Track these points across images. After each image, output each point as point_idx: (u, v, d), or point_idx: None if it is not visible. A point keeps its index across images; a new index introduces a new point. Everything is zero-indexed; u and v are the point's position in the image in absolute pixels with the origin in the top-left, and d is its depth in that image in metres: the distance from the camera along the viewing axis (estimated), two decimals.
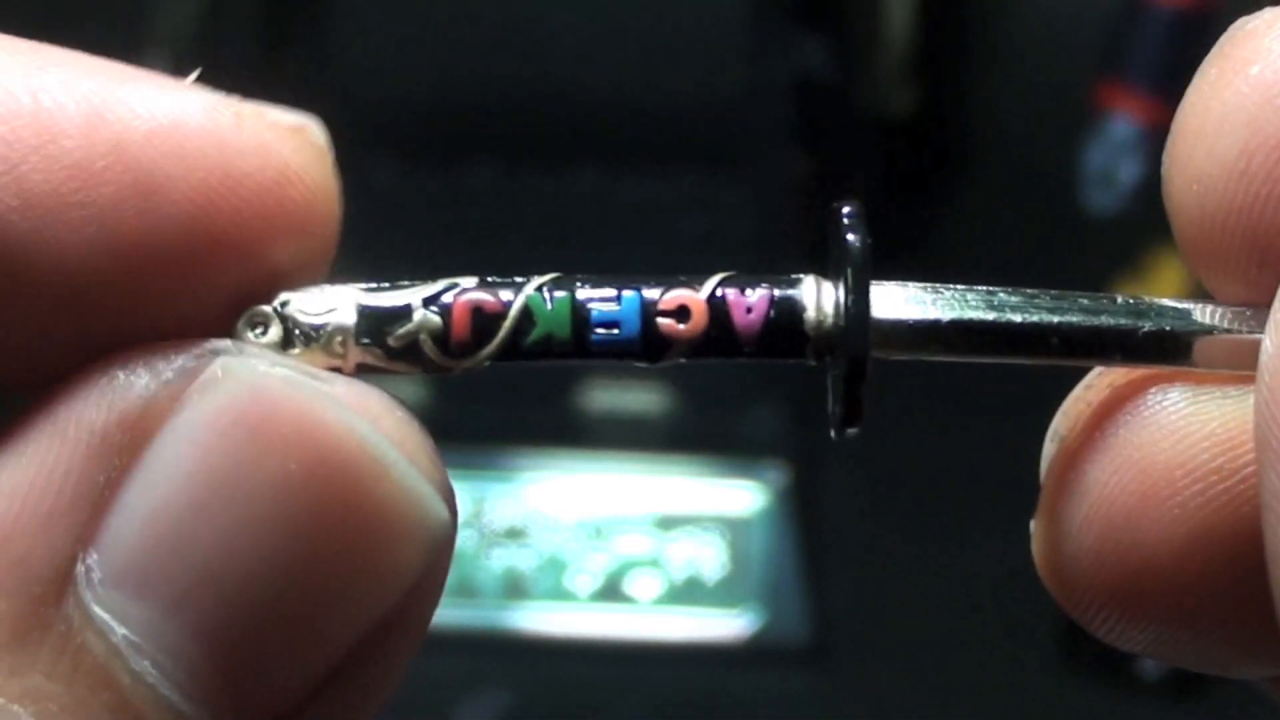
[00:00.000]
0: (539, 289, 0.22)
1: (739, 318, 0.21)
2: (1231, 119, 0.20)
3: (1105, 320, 0.21)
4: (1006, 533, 0.79)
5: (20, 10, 0.96)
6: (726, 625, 0.69)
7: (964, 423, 0.79)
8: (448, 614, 0.68)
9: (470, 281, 0.21)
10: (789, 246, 0.77)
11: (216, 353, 0.20)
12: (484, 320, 0.22)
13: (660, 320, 0.21)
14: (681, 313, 0.21)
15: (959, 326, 0.22)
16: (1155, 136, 0.67)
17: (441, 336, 0.22)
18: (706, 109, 0.76)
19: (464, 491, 0.71)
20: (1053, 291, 0.22)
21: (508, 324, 0.22)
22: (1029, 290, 0.21)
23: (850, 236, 0.21)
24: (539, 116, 0.78)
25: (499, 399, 0.73)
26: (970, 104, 0.91)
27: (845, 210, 0.21)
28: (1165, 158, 0.21)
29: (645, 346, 0.21)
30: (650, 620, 0.69)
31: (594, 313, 0.22)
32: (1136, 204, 0.67)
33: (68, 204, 0.19)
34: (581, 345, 0.21)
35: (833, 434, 0.21)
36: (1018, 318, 0.21)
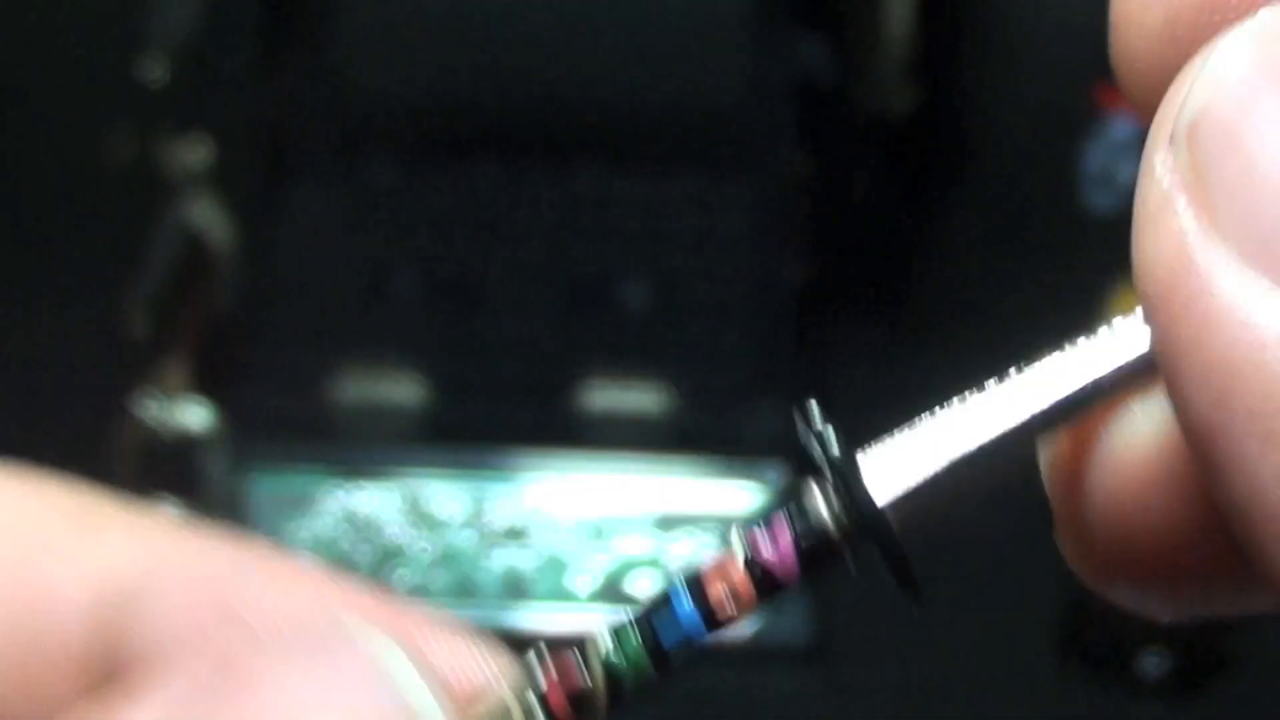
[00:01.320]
0: (609, 650, 0.22)
1: (778, 568, 0.21)
2: None
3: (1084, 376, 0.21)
4: (1007, 532, 0.80)
5: (21, 10, 0.97)
6: None
7: None
8: (447, 614, 0.68)
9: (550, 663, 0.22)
10: (789, 246, 0.77)
11: None
12: (582, 705, 0.22)
13: (718, 615, 0.21)
14: (733, 598, 0.21)
15: (956, 469, 0.22)
16: None
17: None
18: (706, 109, 0.76)
19: (464, 491, 0.71)
20: (1025, 365, 0.22)
21: (599, 708, 0.22)
22: (1004, 377, 0.22)
23: (826, 444, 0.21)
24: (539, 116, 0.78)
25: (499, 399, 0.73)
26: (970, 104, 0.91)
27: (809, 410, 0.21)
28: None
29: (714, 636, 0.21)
30: None
31: (664, 642, 0.22)
32: None
33: None
34: (664, 677, 0.22)
35: (914, 612, 0.21)
36: (1000, 424, 0.22)
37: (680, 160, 0.76)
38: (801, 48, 0.78)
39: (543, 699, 0.22)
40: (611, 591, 0.69)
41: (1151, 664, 0.69)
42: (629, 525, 0.70)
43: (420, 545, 0.69)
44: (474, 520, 0.70)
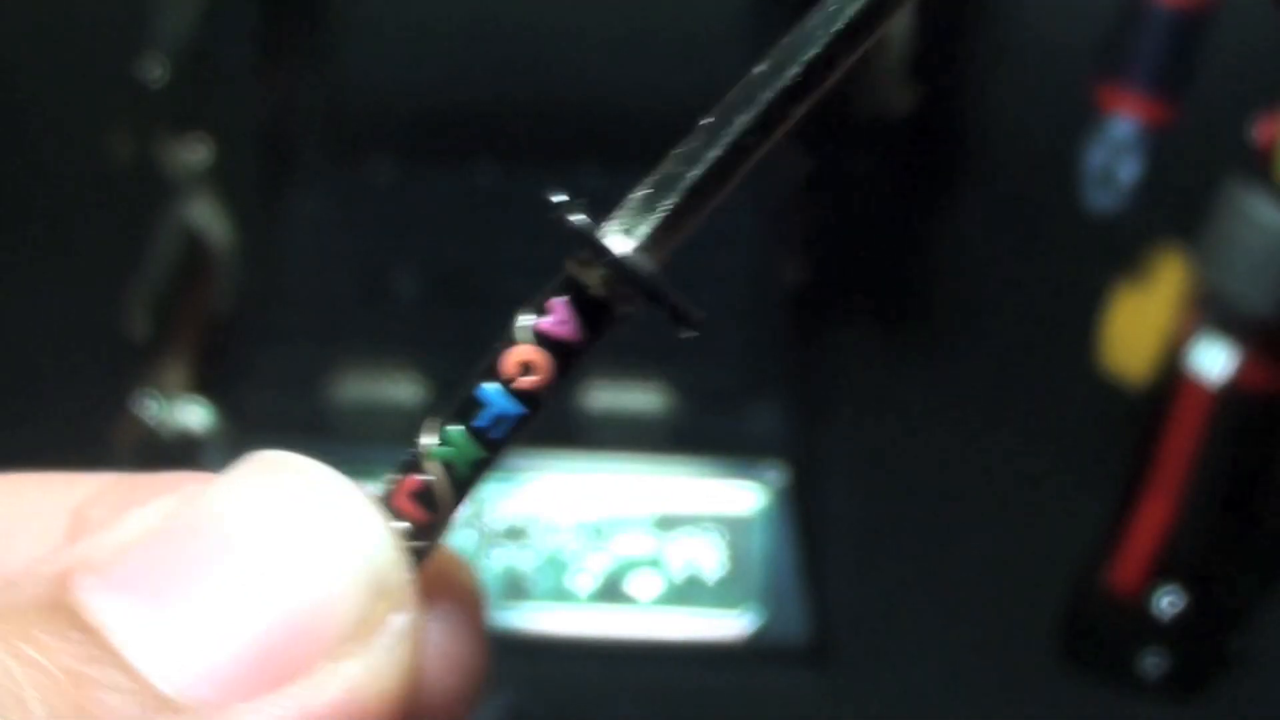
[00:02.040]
0: (432, 443, 0.24)
1: (562, 334, 0.23)
2: None
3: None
4: (1006, 532, 0.80)
5: (21, 11, 0.97)
6: (726, 625, 0.69)
7: (964, 423, 0.79)
8: None
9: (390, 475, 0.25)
10: (789, 246, 0.77)
11: None
12: (426, 497, 0.24)
13: (519, 389, 0.24)
14: (526, 369, 0.24)
15: (682, 203, 0.23)
16: (1155, 136, 0.67)
17: (413, 533, 0.24)
18: (706, 109, 0.76)
19: None
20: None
21: (445, 494, 0.24)
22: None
23: (567, 218, 0.23)
24: (539, 116, 0.78)
25: None
26: (970, 104, 0.91)
27: (554, 201, 0.24)
28: None
29: (531, 413, 0.24)
30: (650, 620, 0.69)
31: (478, 422, 0.24)
32: (1136, 204, 0.67)
33: None
34: (495, 452, 0.24)
35: (684, 336, 0.24)
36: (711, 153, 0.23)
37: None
38: None
39: (394, 508, 0.24)
40: (611, 591, 0.69)
41: (1151, 664, 0.69)
42: (629, 525, 0.70)
43: None
44: (474, 520, 0.70)
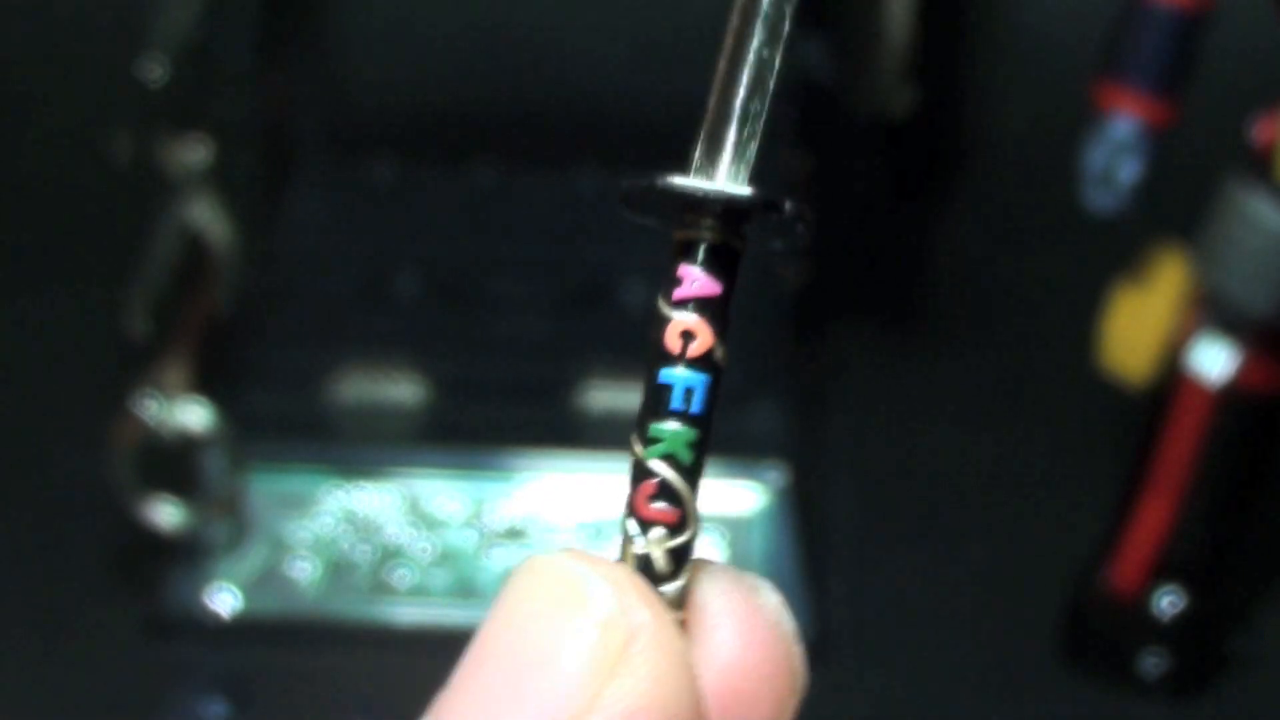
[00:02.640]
0: (644, 446, 0.25)
1: (703, 293, 0.24)
2: None
3: None
4: (1006, 532, 0.80)
5: (21, 11, 0.97)
6: None
7: (964, 423, 0.79)
8: (448, 614, 0.68)
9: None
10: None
11: None
12: (665, 494, 0.25)
13: (693, 358, 0.24)
14: (688, 337, 0.24)
15: (740, 126, 0.25)
16: (1155, 136, 0.67)
17: (668, 533, 0.25)
18: (707, 109, 0.76)
19: (464, 491, 0.71)
20: None
21: (679, 484, 0.25)
22: None
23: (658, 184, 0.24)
24: (539, 116, 0.78)
25: (499, 399, 0.73)
26: (970, 104, 0.91)
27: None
28: None
29: (715, 376, 0.25)
30: None
31: (669, 404, 0.25)
32: (1136, 204, 0.67)
33: None
34: (702, 426, 0.25)
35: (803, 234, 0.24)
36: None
37: (680, 160, 0.76)
38: (801, 48, 0.78)
39: (642, 518, 0.24)
40: None
41: (1151, 664, 0.69)
42: None
43: (420, 545, 0.69)
44: (474, 520, 0.70)
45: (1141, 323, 0.71)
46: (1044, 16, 0.90)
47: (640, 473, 0.24)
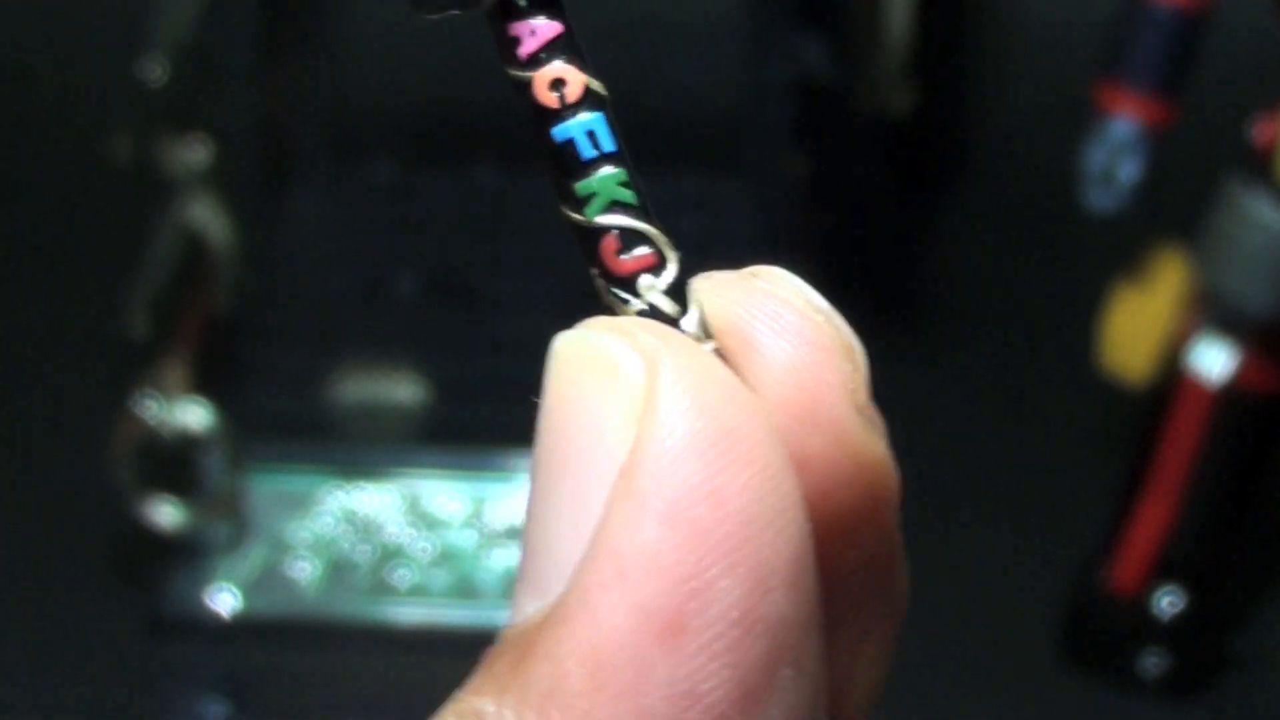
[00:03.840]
0: (579, 210, 0.23)
1: (551, 32, 0.23)
2: None
3: None
4: (1006, 532, 0.80)
5: (22, 11, 0.96)
6: None
7: (964, 423, 0.79)
8: (448, 614, 0.68)
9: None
10: (789, 246, 0.77)
11: None
12: (628, 239, 0.24)
13: (573, 101, 0.23)
14: (559, 84, 0.23)
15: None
16: (1155, 136, 0.67)
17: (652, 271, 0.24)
18: (706, 109, 0.76)
19: (464, 491, 0.71)
20: None
21: (636, 220, 0.23)
22: None
23: None
24: None
25: (499, 399, 0.73)
26: (970, 104, 0.91)
27: None
28: None
29: (605, 109, 0.23)
30: None
31: (586, 156, 0.23)
32: (1136, 204, 0.67)
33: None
34: (623, 160, 0.23)
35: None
36: None
37: (680, 160, 0.76)
38: (801, 48, 0.78)
39: (616, 275, 0.23)
40: None
41: (1151, 664, 0.69)
42: None
43: (420, 545, 0.69)
44: (474, 520, 0.70)
45: (1141, 323, 0.71)
46: (1044, 16, 0.90)
47: (591, 235, 0.23)
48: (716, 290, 0.23)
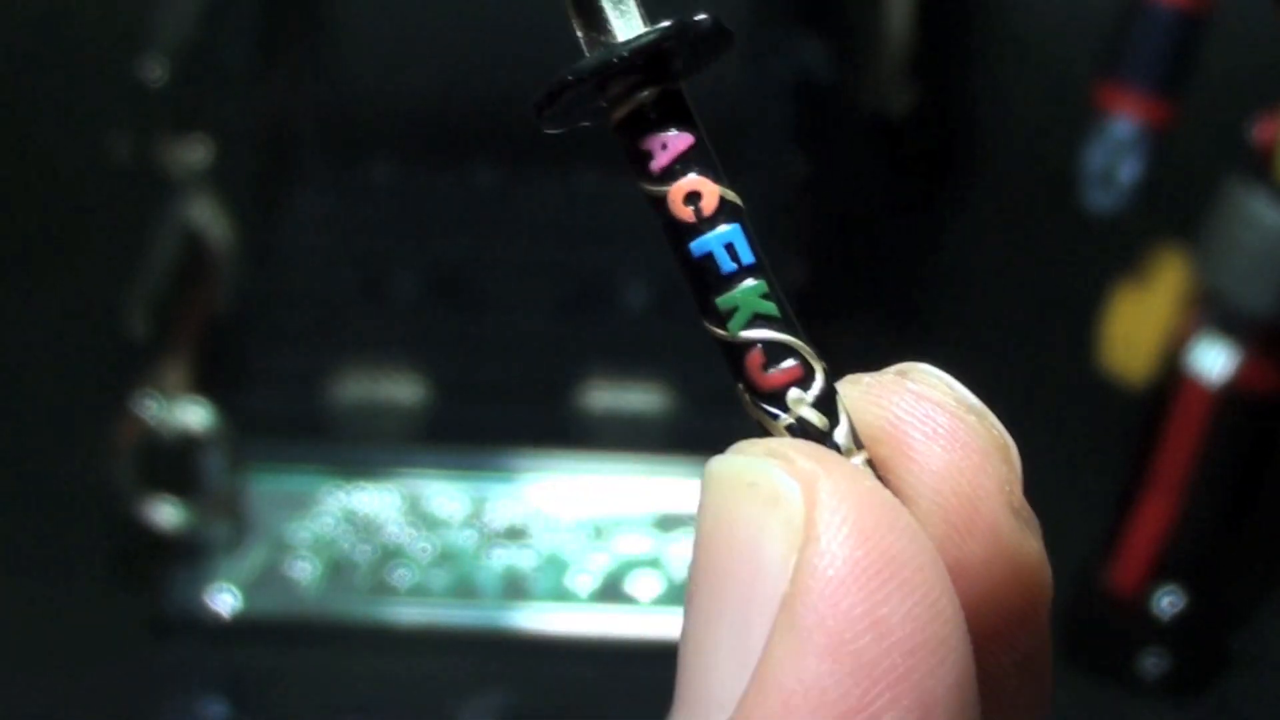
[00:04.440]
0: (723, 326, 0.23)
1: (685, 147, 0.23)
2: None
3: None
4: None
5: (21, 10, 0.96)
6: None
7: None
8: (448, 614, 0.68)
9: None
10: (789, 246, 0.77)
11: None
12: (773, 351, 0.23)
13: (711, 214, 0.23)
14: (695, 198, 0.23)
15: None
16: (1155, 136, 0.67)
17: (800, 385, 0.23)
18: (706, 109, 0.76)
19: (464, 491, 0.71)
20: None
21: (781, 334, 0.23)
22: None
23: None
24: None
25: (499, 399, 0.73)
26: (970, 104, 0.91)
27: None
28: None
29: (741, 220, 0.23)
30: (650, 620, 0.69)
31: (726, 270, 0.23)
32: (1136, 204, 0.67)
33: None
34: (764, 271, 0.23)
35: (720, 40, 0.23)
36: None
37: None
38: (801, 48, 0.78)
39: (767, 391, 0.23)
40: (611, 591, 0.69)
41: (1151, 664, 0.69)
42: (629, 525, 0.70)
43: (420, 545, 0.69)
44: (474, 520, 0.70)
45: (1141, 323, 0.71)
46: (1044, 16, 0.90)
47: (736, 350, 0.22)
48: (866, 395, 0.23)
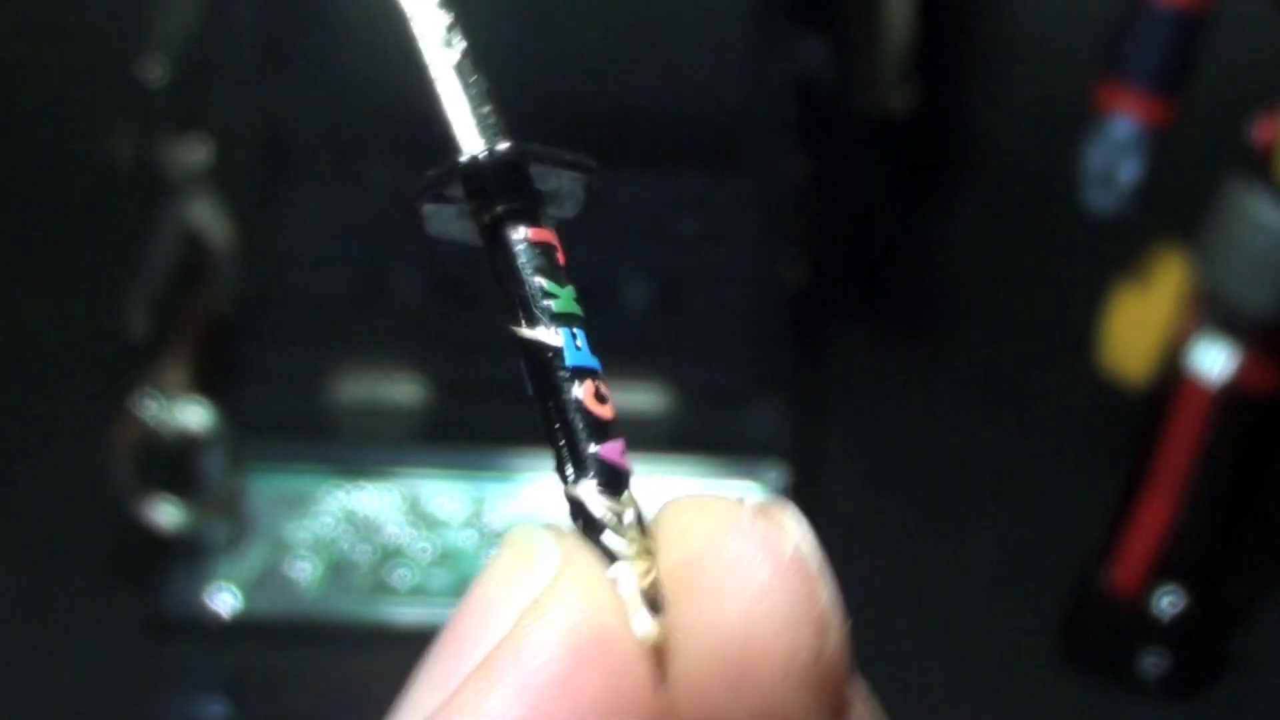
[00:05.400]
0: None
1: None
2: None
3: None
4: (1006, 532, 0.80)
5: (21, 10, 0.96)
6: None
7: (964, 423, 0.79)
8: (447, 614, 0.68)
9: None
10: (789, 246, 0.77)
11: None
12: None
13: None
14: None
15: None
16: (1155, 136, 0.67)
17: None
18: (706, 109, 0.76)
19: (464, 491, 0.71)
20: None
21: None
22: None
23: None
24: (539, 117, 0.78)
25: (499, 399, 0.73)
26: (970, 104, 0.91)
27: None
28: None
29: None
30: None
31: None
32: (1136, 204, 0.67)
33: None
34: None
35: (592, 183, 0.24)
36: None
37: (680, 160, 0.76)
38: (801, 48, 0.78)
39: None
40: None
41: (1151, 664, 0.69)
42: None
43: (420, 545, 0.69)
44: (474, 520, 0.70)
45: (1141, 323, 0.71)
46: (1044, 16, 0.90)
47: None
48: (700, 516, 0.24)
